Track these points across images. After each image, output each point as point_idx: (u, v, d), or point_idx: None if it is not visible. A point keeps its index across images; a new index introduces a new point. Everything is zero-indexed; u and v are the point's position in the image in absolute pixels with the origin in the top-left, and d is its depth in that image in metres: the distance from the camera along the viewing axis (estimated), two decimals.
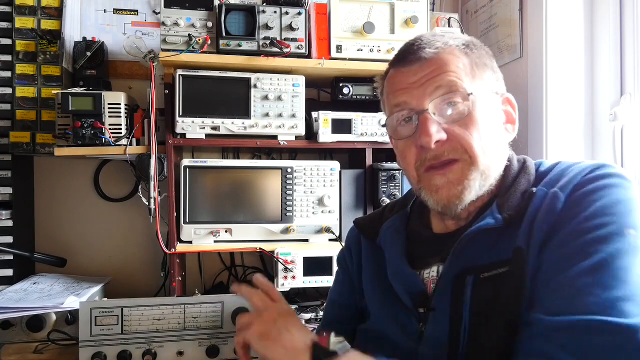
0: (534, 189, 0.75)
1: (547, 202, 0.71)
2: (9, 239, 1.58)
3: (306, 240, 1.59)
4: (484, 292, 0.72)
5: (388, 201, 1.57)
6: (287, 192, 1.58)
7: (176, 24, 1.48)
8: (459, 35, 0.84)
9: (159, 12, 1.59)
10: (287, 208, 1.58)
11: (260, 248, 1.54)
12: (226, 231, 1.55)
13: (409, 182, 0.87)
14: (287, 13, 1.54)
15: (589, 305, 0.61)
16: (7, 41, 1.62)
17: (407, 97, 0.80)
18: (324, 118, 1.58)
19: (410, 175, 0.83)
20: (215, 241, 1.55)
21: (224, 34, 1.49)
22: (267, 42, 1.52)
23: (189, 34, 1.48)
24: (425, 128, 0.76)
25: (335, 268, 1.54)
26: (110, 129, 1.52)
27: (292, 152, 1.87)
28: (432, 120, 0.77)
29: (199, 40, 1.48)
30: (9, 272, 1.57)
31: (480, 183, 0.78)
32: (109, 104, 1.53)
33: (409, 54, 0.81)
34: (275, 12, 1.53)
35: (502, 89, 0.86)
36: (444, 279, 0.76)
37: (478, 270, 0.73)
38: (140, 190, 1.61)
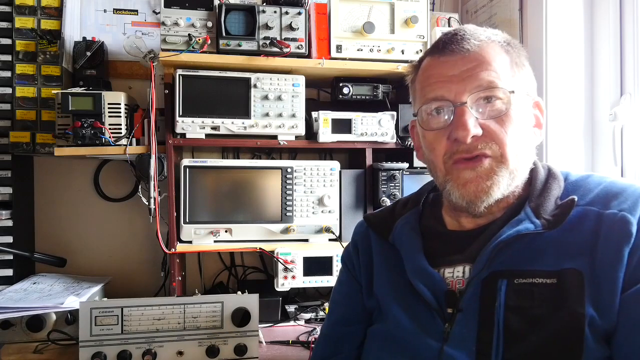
0: (575, 197, 0.73)
1: (614, 225, 0.69)
2: (9, 239, 1.58)
3: (306, 240, 1.58)
4: (521, 299, 0.70)
5: (388, 201, 1.58)
6: (287, 192, 1.58)
7: (176, 24, 1.48)
8: (497, 32, 0.82)
9: (159, 12, 1.59)
10: (287, 208, 1.58)
11: (260, 248, 1.54)
12: (226, 231, 1.54)
13: (432, 175, 0.85)
14: (287, 13, 1.54)
15: None
16: (7, 41, 1.62)
17: (445, 91, 0.78)
18: (324, 118, 1.58)
19: (437, 167, 0.81)
20: (215, 241, 1.55)
21: (224, 34, 1.49)
22: (267, 42, 1.52)
23: (189, 34, 1.48)
24: (463, 122, 0.75)
25: (335, 268, 1.55)
26: (110, 129, 1.52)
27: (292, 152, 1.87)
28: (470, 114, 0.75)
29: (199, 40, 1.48)
30: (9, 272, 1.57)
31: (507, 182, 0.76)
32: (109, 104, 1.53)
33: (451, 44, 0.79)
34: (275, 12, 1.53)
35: (534, 91, 0.84)
36: (475, 280, 0.74)
37: (511, 275, 0.72)
38: (140, 190, 1.61)
